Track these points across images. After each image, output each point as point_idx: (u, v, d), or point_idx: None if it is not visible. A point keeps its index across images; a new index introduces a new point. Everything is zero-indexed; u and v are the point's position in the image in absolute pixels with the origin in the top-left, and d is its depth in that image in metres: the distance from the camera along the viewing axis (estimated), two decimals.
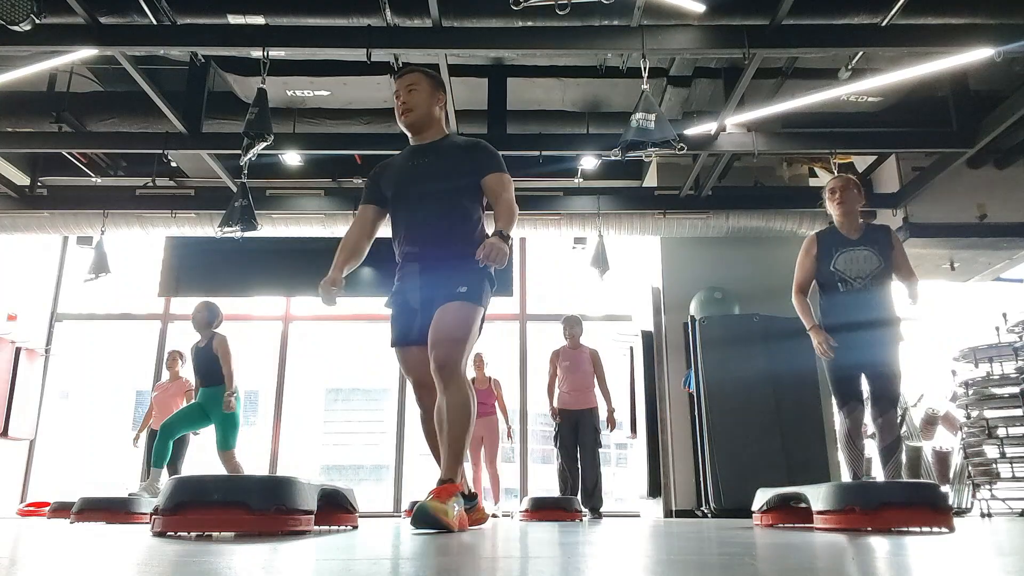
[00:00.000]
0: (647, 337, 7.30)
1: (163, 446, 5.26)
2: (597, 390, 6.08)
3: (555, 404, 6.04)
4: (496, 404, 6.74)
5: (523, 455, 7.82)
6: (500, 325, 8.45)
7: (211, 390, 5.29)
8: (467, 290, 2.71)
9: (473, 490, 2.80)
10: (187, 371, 6.67)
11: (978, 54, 4.64)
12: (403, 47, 4.80)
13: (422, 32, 4.71)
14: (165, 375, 6.75)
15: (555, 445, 5.99)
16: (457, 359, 2.63)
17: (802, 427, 6.18)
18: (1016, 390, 5.74)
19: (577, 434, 5.90)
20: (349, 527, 2.87)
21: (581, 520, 5.26)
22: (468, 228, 2.85)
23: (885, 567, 1.17)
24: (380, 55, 4.82)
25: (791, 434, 6.07)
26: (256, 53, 4.82)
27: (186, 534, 2.04)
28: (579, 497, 5.78)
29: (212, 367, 5.29)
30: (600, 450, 5.98)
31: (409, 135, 2.95)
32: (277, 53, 4.88)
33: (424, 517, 2.31)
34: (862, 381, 3.82)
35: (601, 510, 5.87)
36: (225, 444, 5.26)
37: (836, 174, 6.12)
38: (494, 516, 6.44)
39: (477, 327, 2.76)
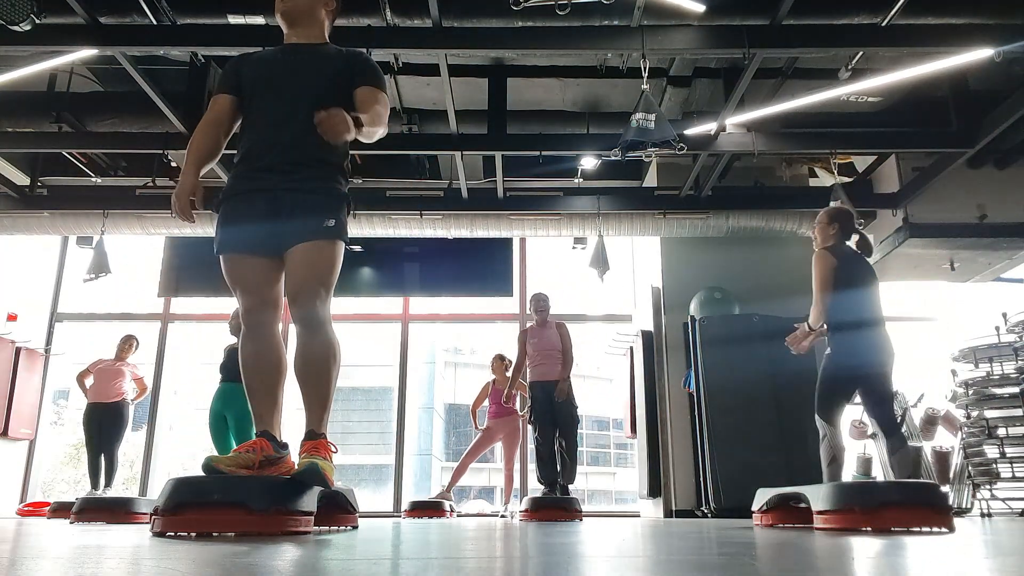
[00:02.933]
0: (647, 337, 7.30)
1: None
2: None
3: (527, 379, 6.02)
4: (516, 404, 6.73)
5: (523, 455, 7.82)
6: (500, 325, 8.45)
7: (235, 386, 5.43)
8: (334, 224, 2.42)
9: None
10: (139, 356, 6.95)
11: (978, 54, 4.64)
12: (403, 47, 4.80)
13: (422, 32, 4.70)
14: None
15: (529, 420, 5.92)
16: (326, 305, 2.45)
17: (802, 427, 6.17)
18: (1016, 390, 5.74)
19: (552, 404, 5.79)
20: (349, 527, 2.87)
21: (581, 520, 5.25)
22: (335, 151, 2.48)
23: (885, 567, 1.17)
24: (380, 55, 4.82)
25: (791, 434, 6.07)
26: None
27: (186, 534, 2.04)
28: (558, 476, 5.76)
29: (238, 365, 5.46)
30: (577, 429, 5.94)
31: (284, 28, 2.64)
32: None
33: (315, 476, 2.23)
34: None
35: (569, 488, 5.80)
36: (243, 439, 5.38)
37: (837, 177, 6.12)
38: (502, 516, 6.43)
39: (338, 270, 2.49)
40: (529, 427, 6.00)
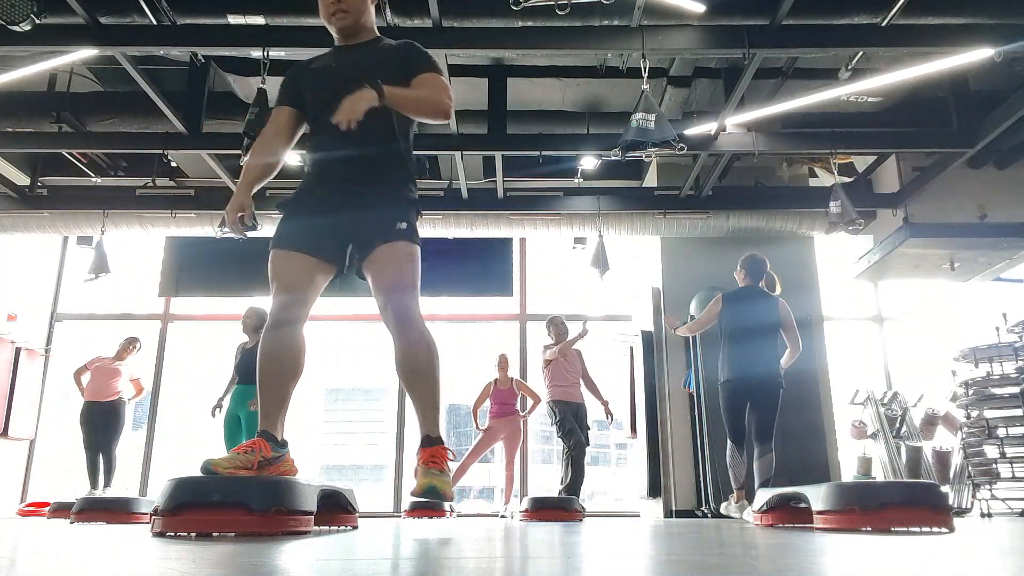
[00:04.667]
0: (647, 337, 7.29)
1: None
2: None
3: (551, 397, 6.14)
4: (517, 404, 6.74)
5: (523, 455, 7.82)
6: (500, 325, 8.44)
7: (252, 387, 5.47)
8: (407, 228, 2.39)
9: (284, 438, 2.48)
10: (139, 358, 6.93)
11: (978, 54, 4.64)
12: None
13: (422, 32, 4.70)
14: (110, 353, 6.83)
15: (560, 433, 6.02)
16: (417, 304, 2.38)
17: (802, 427, 6.18)
18: (1016, 390, 5.74)
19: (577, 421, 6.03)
20: (349, 527, 2.87)
21: (582, 520, 5.26)
22: (404, 159, 2.48)
23: (885, 567, 1.17)
24: None
25: (791, 434, 6.07)
26: (256, 53, 4.82)
27: (186, 534, 2.04)
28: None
29: (255, 367, 5.50)
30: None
31: (337, 38, 2.61)
32: (277, 53, 4.88)
33: (434, 493, 2.18)
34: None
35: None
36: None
37: (837, 177, 6.12)
38: (502, 517, 6.44)
39: (419, 271, 2.43)
40: (561, 440, 6.07)
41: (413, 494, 2.25)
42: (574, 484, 5.88)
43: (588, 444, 6.10)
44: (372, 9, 2.60)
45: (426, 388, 2.35)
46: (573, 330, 6.25)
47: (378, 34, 2.64)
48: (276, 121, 2.58)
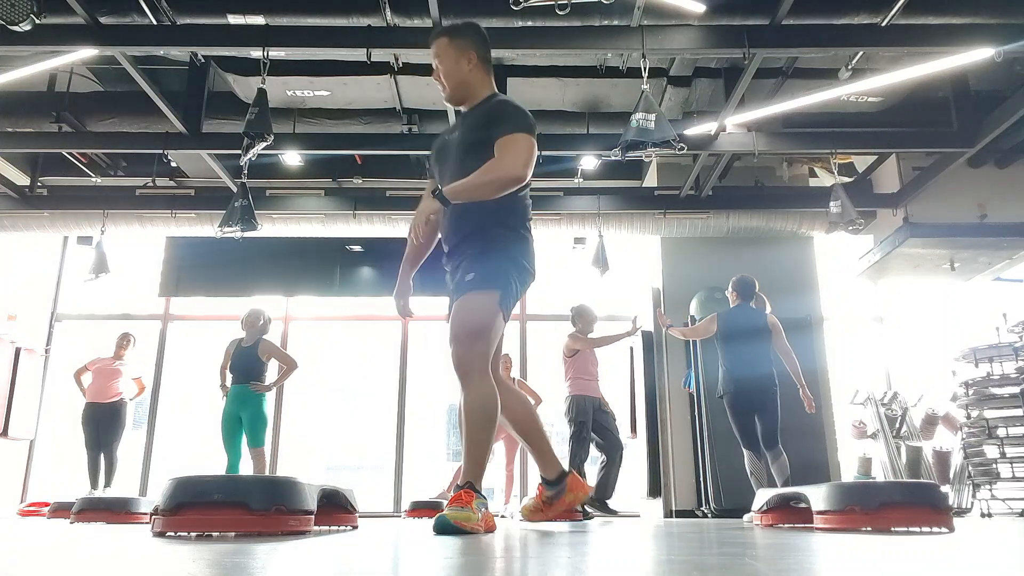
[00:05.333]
0: (647, 337, 7.29)
1: (234, 468, 5.57)
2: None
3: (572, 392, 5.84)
4: None
5: (523, 455, 7.81)
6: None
7: (244, 387, 5.52)
8: (473, 277, 2.47)
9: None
10: (132, 355, 6.89)
11: (978, 54, 4.64)
12: (403, 47, 4.80)
13: (422, 32, 4.70)
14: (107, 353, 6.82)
15: (582, 433, 5.68)
16: (470, 356, 2.41)
17: (802, 427, 6.17)
18: (1016, 390, 5.74)
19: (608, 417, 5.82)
20: (349, 527, 2.87)
21: (581, 519, 5.24)
22: (483, 206, 2.52)
23: (885, 567, 1.17)
24: (380, 55, 4.82)
25: (791, 434, 6.06)
26: (256, 53, 4.82)
27: (186, 534, 2.04)
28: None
29: (253, 366, 5.59)
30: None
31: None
32: (277, 53, 4.88)
33: (444, 528, 2.17)
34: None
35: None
36: (255, 441, 5.46)
37: (837, 177, 6.12)
38: (502, 516, 6.43)
39: (490, 318, 2.45)
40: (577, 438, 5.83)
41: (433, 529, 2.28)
42: (605, 486, 5.68)
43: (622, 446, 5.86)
44: (471, 72, 2.65)
45: (464, 437, 2.43)
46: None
47: (488, 93, 2.70)
48: (427, 190, 2.70)
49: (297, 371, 5.66)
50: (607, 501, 5.75)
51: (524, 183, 2.55)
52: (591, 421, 5.71)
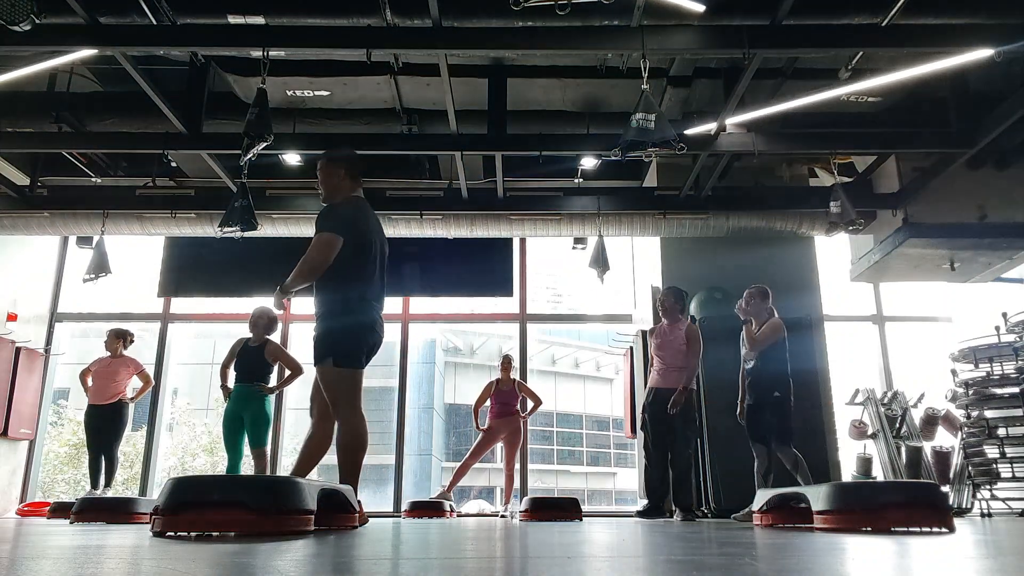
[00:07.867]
0: (647, 337, 7.29)
1: (234, 468, 5.56)
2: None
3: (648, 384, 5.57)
4: (519, 405, 6.72)
5: (523, 455, 7.82)
6: (500, 325, 8.44)
7: (249, 387, 5.52)
8: (313, 353, 3.33)
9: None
10: (134, 350, 6.83)
11: (978, 54, 4.64)
12: (403, 47, 4.80)
13: (422, 32, 4.71)
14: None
15: (639, 427, 5.42)
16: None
17: (802, 427, 6.17)
18: (1016, 390, 5.75)
19: (667, 414, 5.29)
20: (349, 527, 2.87)
21: (580, 520, 5.25)
22: (321, 292, 3.44)
23: (885, 567, 1.17)
24: (380, 55, 4.81)
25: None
26: (256, 53, 4.82)
27: (186, 534, 2.04)
28: (668, 497, 5.35)
29: (258, 366, 5.61)
30: (695, 440, 5.50)
31: None
32: (277, 53, 4.88)
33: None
34: None
35: (692, 508, 5.34)
36: (257, 441, 5.46)
37: (837, 177, 6.12)
38: (502, 517, 6.43)
39: (336, 379, 3.31)
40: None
41: None
42: (684, 489, 5.28)
43: (695, 433, 5.47)
44: (335, 181, 3.52)
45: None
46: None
47: (344, 197, 3.52)
48: None
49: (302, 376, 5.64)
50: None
51: (319, 271, 3.39)
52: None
